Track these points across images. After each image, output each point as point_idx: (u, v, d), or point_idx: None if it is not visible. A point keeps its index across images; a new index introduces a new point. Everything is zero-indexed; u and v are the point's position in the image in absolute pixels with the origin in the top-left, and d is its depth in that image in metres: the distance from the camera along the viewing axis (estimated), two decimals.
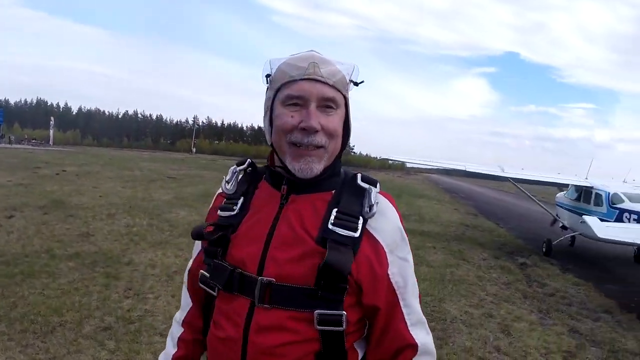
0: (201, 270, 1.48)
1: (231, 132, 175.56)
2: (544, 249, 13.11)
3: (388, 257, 1.40)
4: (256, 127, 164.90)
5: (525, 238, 16.32)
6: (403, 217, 1.50)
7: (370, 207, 1.38)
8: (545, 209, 15.29)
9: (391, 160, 23.80)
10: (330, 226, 1.35)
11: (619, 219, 11.79)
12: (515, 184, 14.98)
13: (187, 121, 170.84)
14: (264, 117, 1.48)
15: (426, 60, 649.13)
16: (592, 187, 13.22)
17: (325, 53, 1.44)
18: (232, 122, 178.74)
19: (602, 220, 10.87)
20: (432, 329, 1.50)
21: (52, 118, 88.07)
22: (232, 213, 1.45)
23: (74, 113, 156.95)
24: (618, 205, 12.14)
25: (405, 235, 1.48)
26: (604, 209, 12.44)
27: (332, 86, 1.38)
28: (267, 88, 1.45)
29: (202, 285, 1.48)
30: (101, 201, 14.89)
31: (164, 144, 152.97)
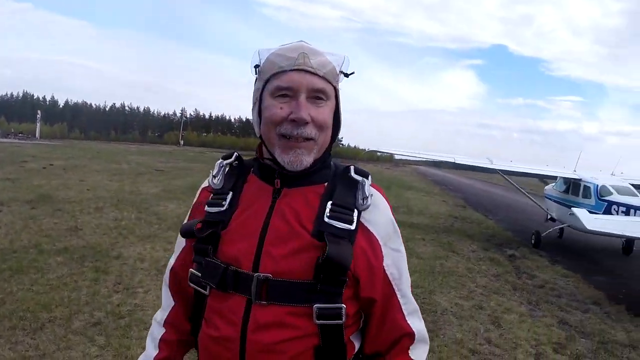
0: (191, 269, 1.44)
1: (219, 125, 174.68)
2: (532, 241, 13.18)
3: (382, 250, 1.40)
4: (244, 120, 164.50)
5: (514, 230, 16.42)
6: (392, 209, 1.50)
7: (365, 199, 1.38)
8: (534, 201, 15.34)
9: (380, 152, 23.77)
10: (326, 219, 1.34)
11: (607, 211, 11.87)
12: (504, 176, 15.03)
13: (174, 114, 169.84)
14: (253, 108, 1.46)
15: (414, 52, 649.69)
16: (580, 180, 13.30)
17: (313, 45, 1.42)
18: (220, 115, 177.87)
19: (590, 212, 10.93)
20: (423, 321, 1.52)
21: (38, 111, 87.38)
22: (222, 209, 1.42)
23: (60, 106, 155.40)
24: (606, 198, 12.22)
25: (397, 227, 1.49)
26: (592, 201, 12.52)
27: (323, 77, 1.36)
28: (256, 79, 1.43)
29: (193, 285, 1.43)
30: (89, 195, 14.79)
31: (151, 137, 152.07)
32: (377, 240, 1.39)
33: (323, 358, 1.34)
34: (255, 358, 1.30)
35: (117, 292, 6.34)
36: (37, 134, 79.54)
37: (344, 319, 1.32)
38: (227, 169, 1.50)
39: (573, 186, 13.69)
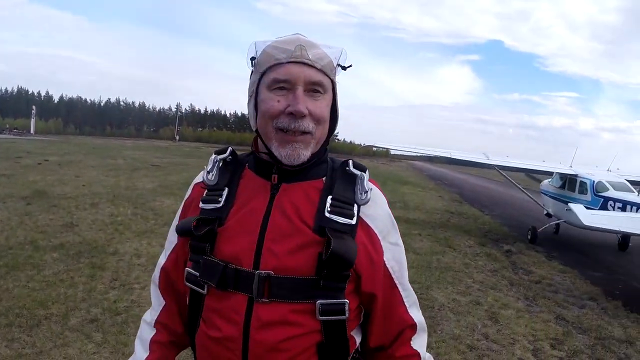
0: (187, 268, 1.40)
1: (214, 119, 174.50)
2: (529, 237, 13.21)
3: (382, 244, 1.40)
4: (240, 114, 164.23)
5: (510, 225, 16.45)
6: (388, 204, 1.50)
7: (365, 193, 1.37)
8: (530, 197, 15.35)
9: (375, 147, 23.75)
10: (327, 214, 1.33)
11: (604, 207, 11.90)
12: (501, 171, 15.03)
13: (170, 109, 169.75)
14: (249, 101, 1.43)
15: (410, 47, 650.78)
16: (576, 175, 13.31)
17: (310, 37, 1.40)
18: (215, 109, 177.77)
19: (586, 208, 10.95)
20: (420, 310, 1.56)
21: (33, 107, 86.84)
22: (218, 205, 1.39)
23: (55, 101, 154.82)
24: (602, 194, 12.24)
25: (395, 221, 1.49)
26: (588, 197, 12.54)
27: (320, 70, 1.34)
28: (252, 71, 1.41)
29: (190, 284, 1.39)
30: (84, 190, 14.72)
31: (147, 132, 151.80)
32: (376, 235, 1.39)
33: (326, 354, 1.33)
34: (258, 357, 1.28)
35: (113, 288, 6.31)
36: (32, 130, 79.15)
37: (347, 314, 1.31)
38: (220, 164, 1.47)
39: (569, 182, 13.70)
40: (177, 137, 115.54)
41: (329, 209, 1.33)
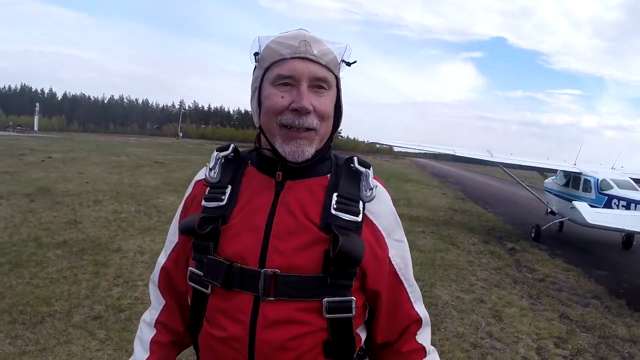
0: (190, 268, 1.38)
1: (218, 116, 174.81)
2: (532, 234, 13.17)
3: (387, 241, 1.40)
4: (243, 111, 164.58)
5: (514, 223, 16.40)
6: (392, 202, 1.50)
7: (370, 190, 1.36)
8: (534, 194, 15.31)
9: (379, 144, 23.71)
10: (333, 211, 1.32)
11: (608, 205, 11.85)
12: (505, 169, 14.99)
13: (173, 105, 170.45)
14: (252, 97, 1.42)
15: (413, 45, 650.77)
16: (580, 173, 13.26)
17: (313, 33, 1.38)
18: (218, 106, 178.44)
19: (591, 206, 10.91)
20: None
21: (37, 104, 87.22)
22: (221, 203, 1.37)
23: (59, 99, 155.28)
24: (606, 192, 12.19)
25: (398, 218, 1.49)
26: (592, 195, 12.49)
27: (325, 66, 1.33)
28: (255, 67, 1.39)
29: (193, 284, 1.37)
30: (88, 188, 14.75)
31: (150, 129, 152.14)
32: (381, 232, 1.39)
33: (332, 353, 1.32)
34: (265, 357, 1.27)
35: (117, 285, 6.32)
36: (36, 127, 79.49)
37: (354, 312, 1.30)
38: (222, 162, 1.45)
39: (573, 180, 13.66)
40: (181, 134, 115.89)
41: (334, 206, 1.32)
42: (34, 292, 5.76)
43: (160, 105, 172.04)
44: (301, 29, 1.37)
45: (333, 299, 1.28)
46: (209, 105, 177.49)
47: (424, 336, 1.50)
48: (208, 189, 1.42)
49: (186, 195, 1.53)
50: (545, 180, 16.07)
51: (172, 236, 1.53)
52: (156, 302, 1.56)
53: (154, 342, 1.50)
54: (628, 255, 12.47)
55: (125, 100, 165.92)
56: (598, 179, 12.57)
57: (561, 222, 14.16)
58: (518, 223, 16.31)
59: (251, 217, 1.34)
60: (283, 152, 1.32)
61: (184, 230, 1.41)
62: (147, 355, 1.48)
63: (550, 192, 14.91)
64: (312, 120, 1.30)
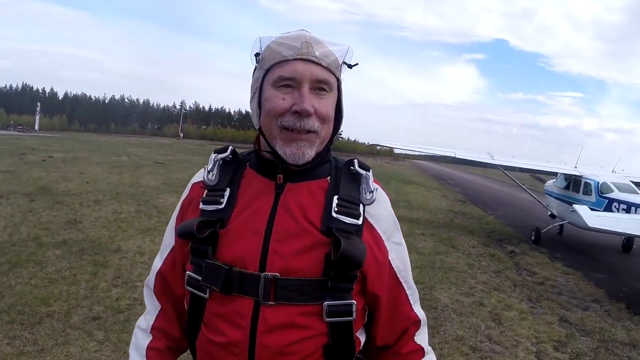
0: (188, 272, 1.35)
1: (219, 117, 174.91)
2: (532, 237, 13.17)
3: (386, 244, 1.39)
4: (244, 112, 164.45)
5: (514, 226, 16.39)
6: (392, 204, 1.50)
7: (371, 193, 1.35)
8: (535, 197, 15.31)
9: (379, 146, 23.70)
10: (334, 214, 1.31)
11: (608, 209, 11.84)
12: (505, 171, 14.99)
13: (174, 106, 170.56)
14: (252, 98, 1.40)
15: (414, 46, 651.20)
16: (581, 176, 13.26)
17: (314, 34, 1.37)
18: (219, 107, 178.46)
19: (591, 209, 10.90)
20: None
21: (38, 103, 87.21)
22: (220, 206, 1.35)
23: (60, 98, 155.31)
24: (607, 195, 12.18)
25: (397, 221, 1.48)
26: (593, 198, 12.48)
27: (326, 68, 1.31)
28: (256, 68, 1.37)
29: (191, 288, 1.35)
30: (88, 187, 14.74)
31: (151, 129, 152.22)
32: (380, 235, 1.38)
33: (332, 357, 1.31)
34: None
35: (116, 286, 6.30)
36: (37, 126, 79.47)
37: (354, 315, 1.29)
38: (221, 164, 1.43)
39: (574, 183, 13.65)
40: (181, 135, 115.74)
41: (335, 209, 1.31)
42: (32, 292, 5.75)
43: (161, 106, 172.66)
44: (302, 30, 1.36)
45: (333, 303, 1.27)
46: (210, 106, 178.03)
47: (421, 337, 1.50)
48: (206, 191, 1.40)
49: (183, 197, 1.52)
50: (546, 183, 16.08)
51: (169, 239, 1.52)
52: (151, 307, 1.55)
53: (150, 348, 1.48)
54: (628, 258, 12.46)
55: (126, 100, 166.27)
56: (599, 182, 12.56)
57: (561, 225, 14.16)
58: (518, 226, 16.31)
59: (251, 220, 1.32)
60: (284, 154, 1.30)
61: (182, 234, 1.38)
62: None
63: (551, 195, 14.92)
64: (313, 123, 1.29)
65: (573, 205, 11.79)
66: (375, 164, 57.60)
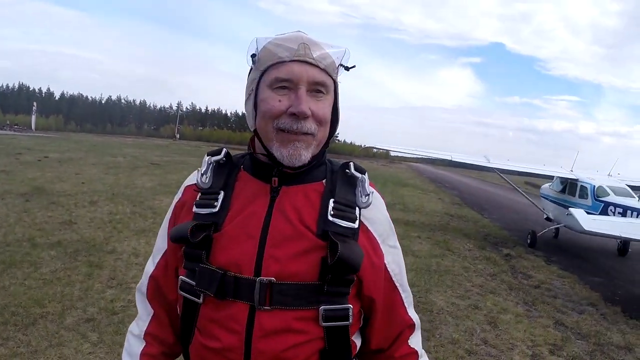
0: (181, 277, 1.34)
1: (215, 118, 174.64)
2: (528, 241, 13.18)
3: (382, 247, 1.38)
4: (240, 114, 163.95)
5: (510, 229, 16.40)
6: (387, 206, 1.49)
7: (366, 196, 1.34)
8: (531, 201, 15.33)
9: (376, 148, 23.70)
10: (330, 218, 1.29)
11: (604, 212, 11.87)
12: (501, 175, 15.01)
13: (171, 107, 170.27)
14: (247, 100, 1.39)
15: (412, 49, 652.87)
16: (577, 180, 13.30)
17: (311, 35, 1.36)
18: (216, 108, 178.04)
19: (587, 213, 10.91)
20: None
21: (34, 103, 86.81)
22: (214, 210, 1.33)
23: (56, 98, 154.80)
24: (603, 199, 12.22)
25: (392, 224, 1.48)
26: (589, 201, 12.52)
27: (323, 70, 1.30)
28: (251, 69, 1.35)
29: (184, 293, 1.33)
30: (84, 188, 14.67)
31: (147, 130, 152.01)
32: (376, 239, 1.37)
33: None
34: None
35: (110, 287, 6.27)
36: (33, 126, 79.11)
37: (351, 320, 1.29)
38: (214, 166, 1.41)
39: (570, 186, 13.69)
40: (178, 136, 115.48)
41: (331, 212, 1.30)
42: (26, 293, 5.72)
43: (158, 107, 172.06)
44: (299, 31, 1.34)
45: (330, 307, 1.26)
46: (207, 107, 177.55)
47: (415, 340, 1.50)
48: (199, 194, 1.38)
49: (175, 200, 1.50)
50: (542, 187, 16.10)
51: (161, 243, 1.49)
52: (144, 313, 1.52)
53: (144, 354, 1.46)
54: (624, 262, 12.48)
55: (122, 100, 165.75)
56: (594, 186, 12.60)
57: (557, 229, 14.19)
58: (514, 229, 16.32)
59: (245, 224, 1.31)
60: (280, 155, 1.29)
61: (175, 238, 1.35)
62: None
63: (547, 199, 14.95)
64: (310, 125, 1.28)
65: (569, 208, 11.80)
66: (371, 166, 57.66)
